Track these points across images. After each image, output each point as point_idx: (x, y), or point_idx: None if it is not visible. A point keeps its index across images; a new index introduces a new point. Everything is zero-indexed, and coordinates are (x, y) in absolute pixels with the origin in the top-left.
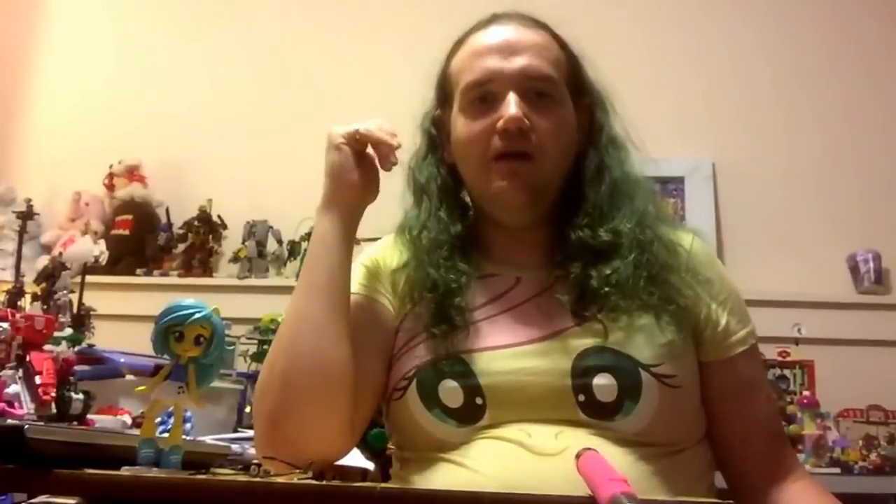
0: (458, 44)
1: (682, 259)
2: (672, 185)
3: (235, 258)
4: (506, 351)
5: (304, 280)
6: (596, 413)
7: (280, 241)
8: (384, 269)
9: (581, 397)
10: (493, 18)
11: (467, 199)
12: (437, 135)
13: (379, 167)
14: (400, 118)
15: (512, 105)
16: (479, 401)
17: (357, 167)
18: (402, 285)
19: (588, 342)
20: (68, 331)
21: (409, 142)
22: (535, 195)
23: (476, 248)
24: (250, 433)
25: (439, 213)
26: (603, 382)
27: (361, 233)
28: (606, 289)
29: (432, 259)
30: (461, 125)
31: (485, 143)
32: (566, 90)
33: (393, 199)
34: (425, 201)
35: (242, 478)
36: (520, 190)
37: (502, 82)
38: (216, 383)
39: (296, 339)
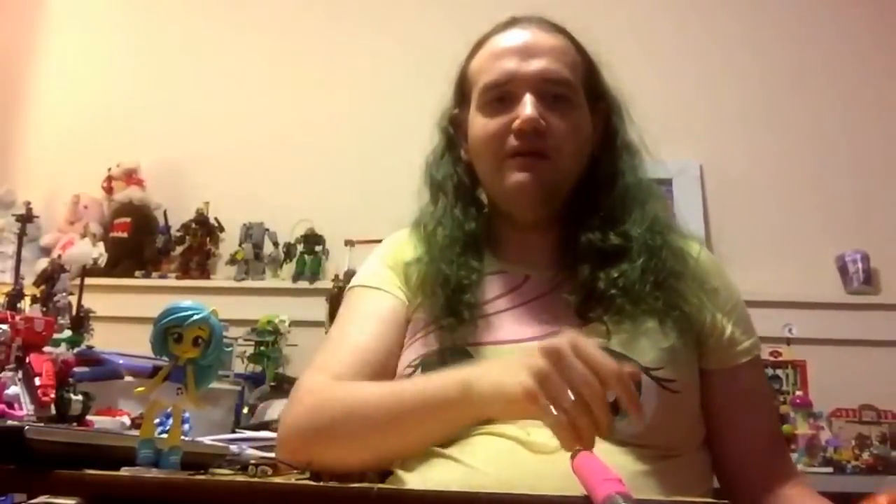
0: (478, 45)
1: (689, 267)
2: (661, 187)
3: (232, 260)
4: (510, 346)
5: (421, 402)
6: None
7: (276, 244)
8: (398, 263)
9: None
10: (513, 21)
11: (483, 197)
12: (454, 134)
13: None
14: (402, 119)
15: (528, 106)
16: None
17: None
18: (415, 279)
19: None
20: (67, 333)
21: (415, 142)
22: (548, 192)
23: (488, 245)
24: (249, 434)
25: (454, 211)
26: None
27: (359, 235)
28: (613, 291)
29: (445, 255)
30: (478, 124)
31: (501, 142)
32: (582, 94)
33: (392, 202)
34: (441, 198)
35: (241, 478)
36: (535, 186)
37: (519, 84)
38: (214, 384)
39: (380, 431)
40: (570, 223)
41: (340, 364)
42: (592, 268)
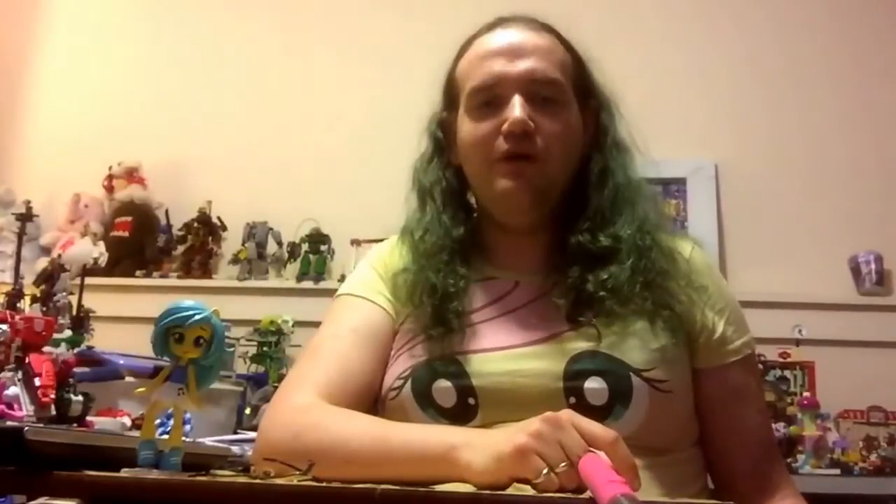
0: (464, 47)
1: (680, 267)
2: (674, 187)
3: (235, 260)
4: (500, 353)
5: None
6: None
7: (280, 243)
8: (387, 271)
9: (572, 400)
10: (499, 22)
11: (472, 200)
12: (442, 138)
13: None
14: (410, 118)
15: (517, 108)
16: (471, 401)
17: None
18: (402, 289)
19: (582, 346)
20: (68, 333)
21: (410, 144)
22: (538, 196)
23: (477, 250)
24: (250, 435)
25: (442, 217)
26: (594, 386)
27: (365, 234)
28: (602, 293)
29: (432, 263)
30: (466, 128)
31: (490, 145)
32: (572, 93)
33: (398, 201)
34: (429, 204)
35: (243, 479)
36: (524, 191)
37: (507, 86)
38: (216, 385)
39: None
40: (561, 225)
41: (327, 380)
42: (582, 270)
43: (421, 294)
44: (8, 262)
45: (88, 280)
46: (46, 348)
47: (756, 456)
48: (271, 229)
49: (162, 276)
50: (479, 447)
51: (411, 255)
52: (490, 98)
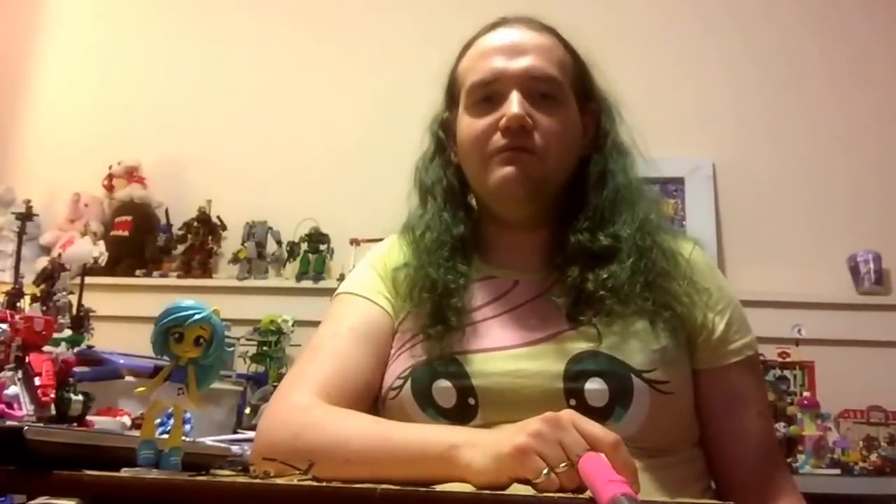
0: (466, 47)
1: (680, 267)
2: (672, 186)
3: (235, 259)
4: (500, 353)
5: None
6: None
7: (279, 243)
8: (387, 270)
9: (572, 401)
10: (501, 22)
11: (472, 201)
12: (444, 137)
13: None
14: (409, 118)
15: (514, 103)
16: (471, 401)
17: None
18: (402, 285)
19: (582, 346)
20: (68, 332)
21: (409, 144)
22: (534, 186)
23: (477, 250)
24: (250, 434)
25: (443, 215)
26: (594, 387)
27: (364, 233)
28: (602, 293)
29: (433, 259)
30: (466, 124)
31: (487, 140)
32: (571, 93)
33: (396, 201)
34: (430, 202)
35: (242, 479)
36: (520, 180)
37: (506, 82)
38: (216, 384)
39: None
40: (560, 225)
41: (326, 379)
42: (582, 269)
43: (420, 290)
44: (8, 262)
45: (88, 279)
46: (46, 348)
47: (756, 459)
48: (271, 228)
49: (162, 276)
50: (480, 447)
51: (411, 251)
52: (489, 94)
